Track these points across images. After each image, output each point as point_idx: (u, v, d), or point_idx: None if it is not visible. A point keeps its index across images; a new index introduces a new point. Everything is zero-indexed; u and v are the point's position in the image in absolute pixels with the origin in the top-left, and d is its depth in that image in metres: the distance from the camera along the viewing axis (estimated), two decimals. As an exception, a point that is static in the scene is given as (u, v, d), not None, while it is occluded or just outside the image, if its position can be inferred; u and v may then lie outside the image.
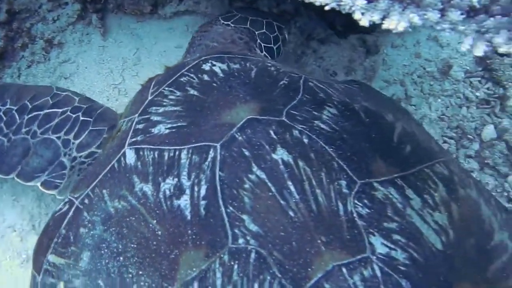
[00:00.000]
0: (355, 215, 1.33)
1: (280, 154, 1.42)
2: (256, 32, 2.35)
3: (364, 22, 1.07)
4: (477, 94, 2.62)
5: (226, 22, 2.35)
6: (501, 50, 0.93)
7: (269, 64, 1.84)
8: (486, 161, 2.46)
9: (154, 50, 2.79)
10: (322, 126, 1.54)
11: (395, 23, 1.03)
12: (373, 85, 2.67)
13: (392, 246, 1.30)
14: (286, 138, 1.47)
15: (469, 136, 2.53)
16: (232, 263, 1.25)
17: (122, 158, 1.52)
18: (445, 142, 2.53)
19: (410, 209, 1.39)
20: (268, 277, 1.22)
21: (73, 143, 1.97)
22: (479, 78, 2.67)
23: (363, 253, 1.27)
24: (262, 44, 2.35)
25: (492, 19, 0.98)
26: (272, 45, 2.35)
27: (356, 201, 1.36)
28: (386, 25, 1.04)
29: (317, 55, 2.72)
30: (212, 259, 1.26)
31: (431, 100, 2.65)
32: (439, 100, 2.66)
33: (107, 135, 1.98)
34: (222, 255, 1.26)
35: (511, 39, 0.95)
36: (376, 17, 1.06)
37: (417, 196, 1.43)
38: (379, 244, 1.29)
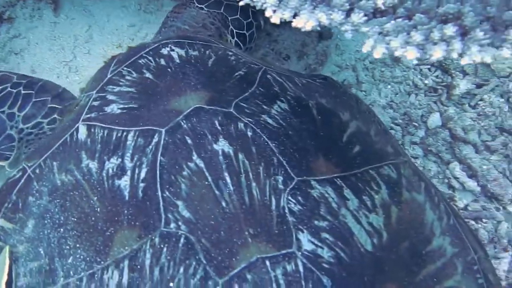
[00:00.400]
0: (286, 211, 1.37)
1: (221, 145, 1.45)
2: (229, 18, 2.33)
3: (276, 19, 1.08)
4: (426, 81, 2.66)
5: (200, 6, 2.33)
6: (396, 53, 0.95)
7: (230, 53, 1.84)
8: (429, 148, 2.52)
9: (107, 28, 2.75)
10: (269, 120, 1.56)
11: (304, 21, 1.05)
12: (324, 69, 2.70)
13: (319, 244, 1.34)
14: (230, 130, 1.49)
15: (414, 123, 2.58)
16: (162, 246, 1.29)
17: (74, 133, 1.55)
18: (391, 128, 2.58)
19: (345, 209, 1.43)
20: (194, 263, 1.26)
21: (18, 116, 2.01)
22: (429, 66, 2.71)
23: (289, 248, 1.31)
24: (234, 31, 2.34)
25: (393, 21, 1.00)
26: (244, 32, 2.34)
27: (289, 198, 1.39)
28: (295, 23, 1.06)
29: (271, 38, 2.72)
30: (143, 240, 1.31)
31: (381, 87, 2.69)
32: (389, 86, 2.70)
33: (53, 105, 2.04)
34: (153, 237, 1.31)
35: (408, 42, 0.97)
36: (287, 15, 1.08)
37: (355, 197, 1.47)
38: (306, 241, 1.33)
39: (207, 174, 1.40)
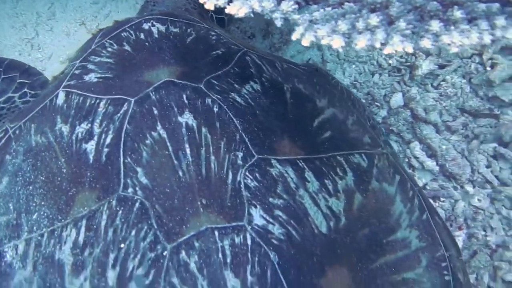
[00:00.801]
0: (242, 185, 1.41)
1: (186, 118, 1.50)
2: None
3: (210, 5, 1.09)
4: (390, 62, 2.68)
5: None
6: (323, 42, 0.96)
7: (212, 33, 1.87)
8: (391, 128, 2.55)
9: (69, 5, 2.72)
10: (238, 99, 1.60)
11: (237, 8, 1.05)
12: (290, 48, 2.70)
13: (271, 220, 1.38)
14: (197, 104, 1.54)
15: (377, 103, 2.61)
16: (118, 209, 1.37)
17: (54, 98, 1.65)
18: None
19: (304, 190, 1.47)
20: (145, 227, 1.33)
21: None
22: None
23: (239, 222, 1.35)
24: (214, 16, 2.34)
25: (321, 10, 1.01)
26: (223, 16, 2.34)
27: (247, 173, 1.43)
28: (228, 9, 1.06)
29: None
30: (102, 202, 1.39)
31: (345, 66, 2.70)
32: (354, 66, 2.71)
33: (22, 80, 2.16)
34: (111, 200, 1.38)
35: (334, 31, 0.98)
36: (221, 2, 1.08)
37: (316, 180, 1.50)
38: (257, 216, 1.37)
39: (168, 144, 1.45)
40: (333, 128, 1.71)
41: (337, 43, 0.96)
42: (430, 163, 2.45)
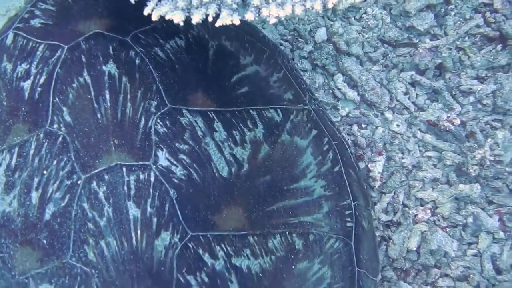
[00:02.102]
0: (152, 130, 1.62)
1: (109, 67, 1.69)
2: None
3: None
4: (315, -3, 2.77)
5: None
6: (167, 17, 1.11)
7: None
8: (315, 62, 2.68)
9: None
10: (160, 53, 1.77)
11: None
12: None
13: (175, 162, 1.59)
14: (121, 56, 1.72)
15: (301, 39, 2.72)
16: (44, 141, 1.62)
17: (4, 38, 1.85)
18: (281, 44, 2.72)
19: (210, 139, 1.67)
20: (65, 158, 1.59)
21: None
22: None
23: (146, 161, 1.58)
24: None
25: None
26: None
27: (158, 120, 1.64)
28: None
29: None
30: (31, 134, 1.64)
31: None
32: (281, 3, 2.80)
33: None
34: (39, 133, 1.63)
35: (176, 8, 1.11)
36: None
37: (223, 130, 1.70)
38: (163, 158, 1.59)
39: (91, 89, 1.66)
40: (251, 84, 1.87)
41: (178, 17, 1.10)
42: (352, 94, 2.59)
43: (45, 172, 1.61)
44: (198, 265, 1.55)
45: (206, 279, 1.55)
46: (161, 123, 1.65)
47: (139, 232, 1.52)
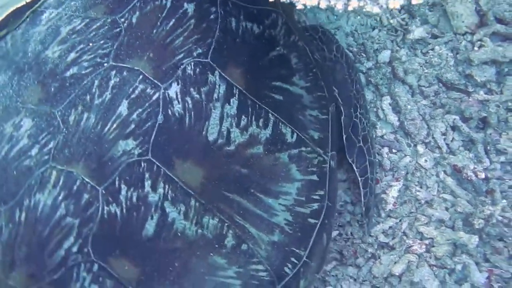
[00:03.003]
0: (182, 67, 1.87)
1: (189, 6, 1.96)
2: None
3: None
4: (391, 21, 2.90)
5: None
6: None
7: None
8: (370, 79, 2.82)
9: None
10: (233, 24, 2.02)
11: None
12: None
13: (180, 99, 1.83)
14: (203, 6, 1.99)
15: (365, 54, 2.87)
16: (107, 25, 1.96)
17: None
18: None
19: (220, 106, 1.87)
20: (110, 43, 1.91)
21: None
22: (399, 8, 2.93)
23: (160, 83, 1.83)
24: None
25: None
26: None
27: (192, 63, 1.88)
28: None
29: None
30: (104, 16, 1.98)
31: (351, 16, 2.96)
32: (358, 17, 2.95)
33: None
34: (108, 18, 1.97)
35: None
36: None
37: (235, 109, 1.89)
38: (173, 90, 1.83)
39: (165, 12, 1.96)
40: (287, 96, 2.07)
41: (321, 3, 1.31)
42: (393, 118, 2.72)
43: (90, 44, 1.89)
44: (138, 183, 1.71)
45: (134, 199, 1.71)
46: (192, 67, 1.86)
47: (114, 125, 1.74)
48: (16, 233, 1.71)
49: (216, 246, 1.80)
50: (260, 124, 1.93)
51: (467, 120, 2.65)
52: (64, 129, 1.76)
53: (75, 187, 1.70)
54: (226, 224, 1.80)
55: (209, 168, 1.81)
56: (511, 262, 2.40)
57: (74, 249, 1.67)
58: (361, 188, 2.40)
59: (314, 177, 2.05)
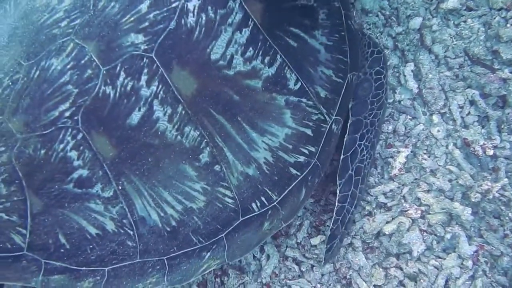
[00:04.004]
0: None
1: None
2: None
3: None
4: (428, -12, 2.88)
5: None
6: None
7: None
8: (397, 44, 2.84)
9: None
10: None
11: None
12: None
13: (196, 13, 1.89)
14: None
15: (398, 20, 2.87)
16: None
17: None
18: (377, 15, 2.90)
19: (231, 31, 1.94)
20: None
21: None
22: (439, -24, 2.90)
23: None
24: None
25: None
26: None
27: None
28: None
29: None
30: None
31: (389, -21, 2.96)
32: (396, -19, 2.95)
33: None
34: None
35: None
36: None
37: (245, 39, 1.96)
38: (192, 4, 1.89)
39: None
40: (302, 43, 2.12)
41: None
42: (412, 84, 2.74)
43: None
44: (135, 75, 1.86)
45: (128, 87, 1.86)
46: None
47: (132, 18, 1.88)
48: (27, 86, 1.91)
49: (190, 157, 1.93)
50: (265, 61, 2.00)
51: (487, 96, 2.64)
52: (92, 11, 1.91)
53: (82, 61, 1.88)
54: (205, 140, 1.93)
55: (203, 83, 1.92)
56: (504, 241, 2.43)
57: (67, 113, 1.87)
58: (334, 214, 2.37)
59: (308, 131, 2.12)
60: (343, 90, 2.22)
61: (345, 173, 2.37)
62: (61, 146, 1.86)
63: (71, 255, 1.92)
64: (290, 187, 2.10)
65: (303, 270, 2.59)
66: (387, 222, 2.53)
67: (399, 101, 2.77)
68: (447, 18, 2.81)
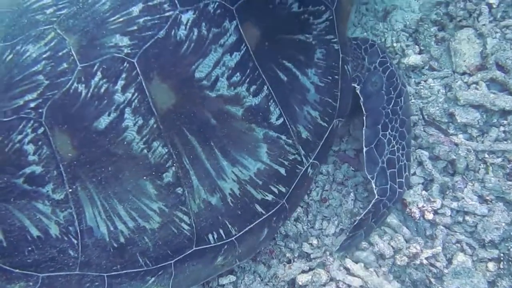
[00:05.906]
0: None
1: None
2: None
3: None
4: (395, 44, 2.77)
5: None
6: None
7: None
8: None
9: None
10: None
11: None
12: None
13: (188, 27, 1.84)
14: None
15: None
16: None
17: None
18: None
19: (221, 52, 1.86)
20: None
21: None
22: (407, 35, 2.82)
23: (182, 7, 1.85)
24: None
25: None
26: None
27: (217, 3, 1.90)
28: None
29: None
30: None
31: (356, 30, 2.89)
32: (364, 34, 2.88)
33: None
34: None
35: None
36: None
37: (234, 63, 1.89)
38: (186, 17, 1.84)
39: None
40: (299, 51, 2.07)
41: None
42: (360, 134, 2.58)
43: None
44: (112, 78, 1.77)
45: (102, 89, 1.75)
46: (214, 6, 1.87)
47: (120, 19, 1.81)
48: None
49: (153, 174, 1.79)
50: (251, 89, 1.91)
51: (436, 159, 2.45)
52: (81, 4, 1.83)
53: (60, 53, 1.77)
54: (172, 159, 1.80)
55: (181, 100, 1.81)
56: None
57: (32, 104, 1.74)
58: (370, 204, 2.23)
59: (282, 170, 1.99)
60: (327, 134, 2.12)
61: (374, 166, 2.23)
62: (19, 137, 1.72)
63: (7, 254, 1.75)
64: (252, 225, 1.95)
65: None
66: (303, 271, 2.28)
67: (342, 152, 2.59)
68: (408, 75, 2.70)
